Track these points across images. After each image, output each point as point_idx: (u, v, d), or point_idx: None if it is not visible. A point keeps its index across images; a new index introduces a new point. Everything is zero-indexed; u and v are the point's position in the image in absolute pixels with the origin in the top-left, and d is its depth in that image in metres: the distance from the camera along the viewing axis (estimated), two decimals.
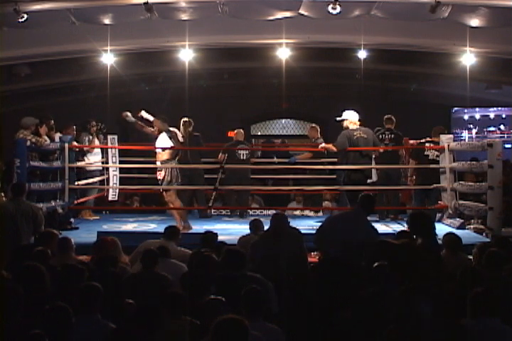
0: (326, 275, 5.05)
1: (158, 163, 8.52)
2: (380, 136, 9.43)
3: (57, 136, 9.03)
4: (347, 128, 8.58)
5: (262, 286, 4.48)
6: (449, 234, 6.08)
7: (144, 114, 8.76)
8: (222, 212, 10.52)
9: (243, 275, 4.84)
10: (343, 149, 8.49)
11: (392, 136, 9.51)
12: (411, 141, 9.91)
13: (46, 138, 8.40)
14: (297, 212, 10.57)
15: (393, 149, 9.58)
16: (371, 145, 8.76)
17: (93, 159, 9.90)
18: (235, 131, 10.55)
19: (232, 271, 4.89)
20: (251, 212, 10.51)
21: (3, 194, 7.78)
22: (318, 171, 9.89)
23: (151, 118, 8.66)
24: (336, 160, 8.98)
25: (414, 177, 9.57)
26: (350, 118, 8.59)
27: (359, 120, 8.65)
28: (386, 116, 9.69)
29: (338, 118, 8.68)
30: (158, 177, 8.44)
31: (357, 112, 8.68)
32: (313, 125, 11.16)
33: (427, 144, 9.23)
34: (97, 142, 9.87)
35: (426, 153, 9.15)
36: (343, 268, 5.29)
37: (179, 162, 9.81)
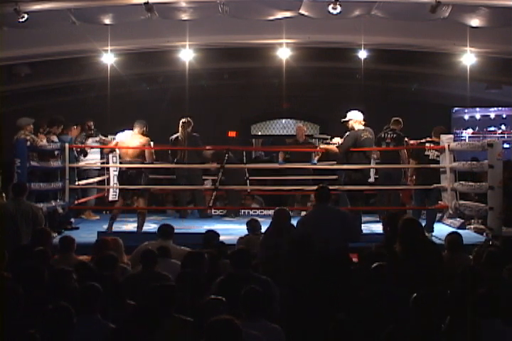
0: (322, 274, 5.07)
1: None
2: (382, 135, 9.44)
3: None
4: (353, 128, 8.55)
5: (265, 286, 4.48)
6: (451, 234, 6.09)
7: None
8: (223, 212, 10.52)
9: (247, 275, 4.82)
10: (347, 150, 8.48)
11: (394, 135, 9.52)
12: (411, 141, 9.90)
13: (43, 139, 8.38)
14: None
15: (394, 149, 9.58)
16: (374, 146, 8.76)
17: (88, 159, 9.91)
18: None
19: (238, 270, 4.89)
20: (251, 212, 10.50)
21: (4, 194, 7.77)
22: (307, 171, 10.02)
23: None
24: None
25: (414, 177, 9.55)
26: (356, 118, 8.56)
27: (364, 120, 8.64)
28: (394, 118, 9.69)
29: (343, 120, 8.65)
30: None
31: (361, 112, 8.66)
32: (301, 125, 11.20)
33: (427, 144, 9.22)
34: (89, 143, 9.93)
35: (426, 153, 9.14)
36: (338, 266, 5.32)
37: (177, 162, 9.85)
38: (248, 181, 10.47)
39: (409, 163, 9.54)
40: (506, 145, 12.32)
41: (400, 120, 9.65)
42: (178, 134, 9.92)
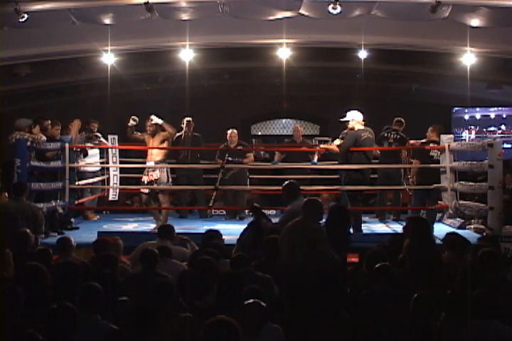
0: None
1: (152, 163, 8.57)
2: (385, 134, 9.43)
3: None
4: (353, 128, 8.54)
5: (266, 285, 4.48)
6: (450, 234, 6.08)
7: (153, 118, 8.72)
8: (222, 212, 10.51)
9: (248, 274, 4.81)
10: (347, 150, 8.48)
11: (398, 136, 9.52)
12: (412, 141, 9.89)
13: (42, 135, 8.37)
14: None
15: (396, 149, 9.58)
16: (374, 146, 8.75)
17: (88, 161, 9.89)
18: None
19: (238, 270, 4.88)
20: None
21: (6, 194, 7.76)
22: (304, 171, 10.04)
23: (159, 121, 8.66)
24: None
25: (414, 178, 9.50)
26: (356, 118, 8.55)
27: (363, 120, 8.63)
28: (397, 119, 9.71)
29: (342, 120, 8.64)
30: (155, 178, 8.48)
31: (361, 112, 8.66)
32: (297, 125, 11.23)
33: (431, 144, 9.20)
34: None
35: (431, 153, 9.14)
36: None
37: (178, 162, 9.84)
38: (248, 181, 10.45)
39: (412, 163, 9.52)
40: (507, 145, 12.34)
41: (403, 120, 9.66)
42: (181, 133, 9.90)
